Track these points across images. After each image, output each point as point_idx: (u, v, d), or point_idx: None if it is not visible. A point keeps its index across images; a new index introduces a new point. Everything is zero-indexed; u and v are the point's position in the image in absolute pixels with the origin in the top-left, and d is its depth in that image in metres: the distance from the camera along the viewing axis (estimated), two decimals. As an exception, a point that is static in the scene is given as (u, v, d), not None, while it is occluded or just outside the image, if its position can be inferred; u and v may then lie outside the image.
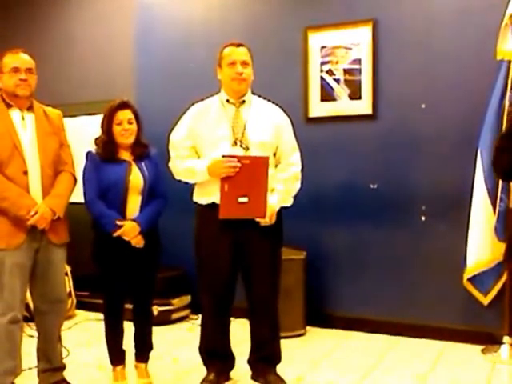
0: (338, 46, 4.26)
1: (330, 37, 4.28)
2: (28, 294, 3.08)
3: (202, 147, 3.15)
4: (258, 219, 3.05)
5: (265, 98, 3.26)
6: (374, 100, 4.18)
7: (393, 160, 4.17)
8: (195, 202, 3.20)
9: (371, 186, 4.22)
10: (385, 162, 4.20)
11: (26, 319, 3.19)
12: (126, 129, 3.11)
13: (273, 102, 3.27)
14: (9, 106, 2.97)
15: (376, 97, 4.18)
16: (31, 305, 3.20)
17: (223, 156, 3.00)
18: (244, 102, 3.15)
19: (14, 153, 2.89)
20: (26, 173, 2.91)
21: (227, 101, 3.15)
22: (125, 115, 3.12)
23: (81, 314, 4.81)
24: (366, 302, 4.26)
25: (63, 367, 3.21)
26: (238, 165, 2.97)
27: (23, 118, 2.99)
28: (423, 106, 4.07)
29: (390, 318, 4.18)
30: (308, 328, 4.26)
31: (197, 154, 3.19)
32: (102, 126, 3.15)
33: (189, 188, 3.23)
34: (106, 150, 3.11)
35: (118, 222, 3.04)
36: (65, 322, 3.38)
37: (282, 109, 3.26)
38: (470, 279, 3.85)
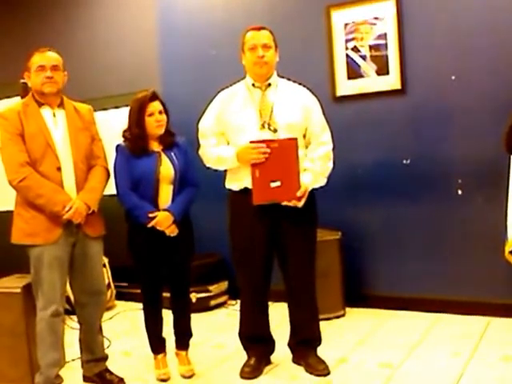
0: (361, 21, 4.17)
1: (353, 13, 4.19)
2: (68, 287, 3.13)
3: (231, 133, 3.14)
4: (288, 202, 3.01)
5: (290, 80, 3.23)
6: (402, 74, 4.09)
7: (425, 134, 4.08)
8: (227, 189, 3.20)
9: (404, 162, 4.15)
10: (416, 136, 4.11)
11: (68, 312, 3.24)
12: (158, 120, 3.12)
13: (299, 83, 3.24)
14: (40, 104, 3.00)
15: (404, 71, 4.09)
16: (72, 298, 3.26)
17: (251, 142, 2.99)
18: (270, 84, 3.13)
19: (47, 150, 2.93)
20: (59, 169, 2.95)
21: (253, 85, 3.13)
22: (156, 106, 3.12)
23: (120, 304, 4.87)
24: (405, 279, 4.20)
25: (106, 357, 3.26)
26: (267, 150, 2.96)
27: (54, 115, 3.01)
28: (453, 77, 3.97)
29: (431, 295, 4.12)
30: (347, 309, 4.22)
31: (226, 141, 3.18)
32: (131, 118, 3.14)
33: (222, 174, 3.23)
34: (137, 143, 3.11)
35: (151, 215, 3.06)
36: (105, 313, 3.43)
37: (309, 89, 3.22)
38: (511, 252, 3.77)
